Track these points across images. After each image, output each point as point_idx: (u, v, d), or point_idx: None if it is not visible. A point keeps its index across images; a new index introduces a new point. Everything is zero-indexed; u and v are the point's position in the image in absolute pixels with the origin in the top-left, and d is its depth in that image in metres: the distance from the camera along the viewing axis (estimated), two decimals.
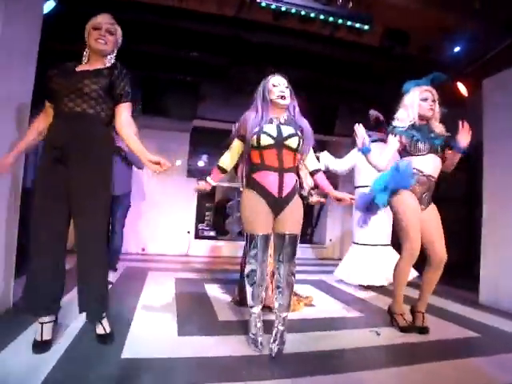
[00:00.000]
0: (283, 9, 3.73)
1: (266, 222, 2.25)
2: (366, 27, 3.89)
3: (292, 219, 2.26)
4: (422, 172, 2.70)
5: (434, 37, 4.29)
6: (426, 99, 2.72)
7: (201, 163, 7.89)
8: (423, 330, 2.72)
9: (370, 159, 2.74)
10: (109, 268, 3.25)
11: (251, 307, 2.34)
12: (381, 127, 4.20)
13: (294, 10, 3.75)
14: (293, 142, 2.22)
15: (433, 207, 2.80)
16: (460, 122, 2.62)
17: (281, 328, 2.26)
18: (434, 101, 2.72)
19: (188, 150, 6.40)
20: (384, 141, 3.79)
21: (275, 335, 2.24)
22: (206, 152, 7.76)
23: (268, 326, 2.37)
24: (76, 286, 2.14)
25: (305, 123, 2.35)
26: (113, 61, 2.19)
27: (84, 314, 2.18)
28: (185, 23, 4.25)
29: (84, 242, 2.10)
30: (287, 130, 2.24)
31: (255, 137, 2.20)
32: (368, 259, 4.36)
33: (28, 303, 2.09)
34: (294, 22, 4.01)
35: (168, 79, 5.41)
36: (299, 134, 2.26)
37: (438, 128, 2.76)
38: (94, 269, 2.13)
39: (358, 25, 3.87)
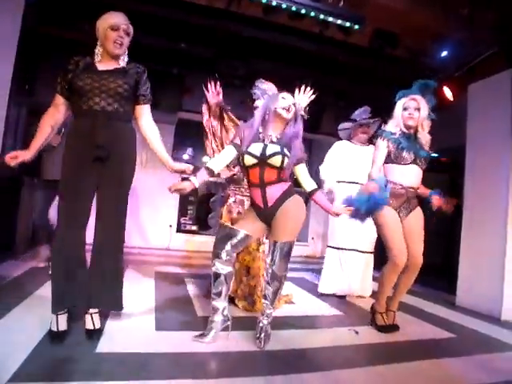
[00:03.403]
0: (274, 3, 3.69)
1: (246, 222, 2.38)
2: (356, 26, 3.88)
3: (282, 227, 2.31)
4: (401, 185, 2.71)
5: (423, 40, 4.32)
6: (406, 108, 2.73)
7: (185, 156, 7.80)
8: (394, 328, 2.79)
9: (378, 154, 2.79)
10: None
11: (214, 300, 2.34)
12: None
13: (284, 6, 3.72)
14: (275, 161, 2.27)
15: (418, 211, 2.81)
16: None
17: (265, 322, 2.35)
18: (417, 109, 2.70)
19: (173, 142, 6.33)
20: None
21: (260, 329, 2.34)
22: (191, 145, 7.68)
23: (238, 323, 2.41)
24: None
25: (298, 144, 2.35)
26: (126, 58, 2.22)
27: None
28: (173, 13, 4.18)
29: (109, 237, 2.17)
30: (272, 149, 2.29)
31: (240, 157, 2.31)
32: (349, 266, 3.82)
33: (53, 302, 2.09)
34: (284, 17, 3.98)
35: (153, 70, 5.30)
36: (285, 152, 2.29)
37: (424, 138, 2.74)
38: (117, 258, 2.24)
39: (348, 24, 3.86)
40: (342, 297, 3.82)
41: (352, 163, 3.81)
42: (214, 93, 3.00)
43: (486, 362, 2.38)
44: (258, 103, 2.95)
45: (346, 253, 3.83)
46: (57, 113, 2.15)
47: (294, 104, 2.35)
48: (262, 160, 2.27)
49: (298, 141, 2.37)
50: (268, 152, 2.27)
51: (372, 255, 3.91)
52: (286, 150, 2.29)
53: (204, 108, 3.11)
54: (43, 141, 2.13)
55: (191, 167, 2.23)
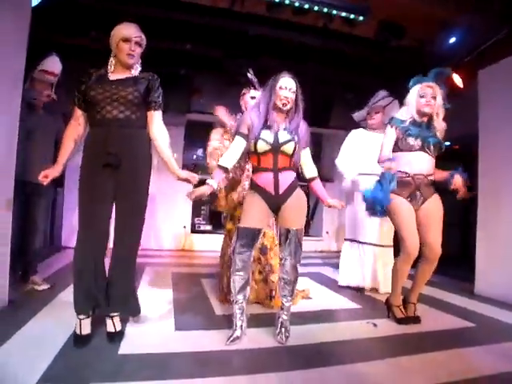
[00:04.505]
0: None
1: (258, 217, 2.32)
2: (361, 18, 3.85)
3: (293, 215, 2.35)
4: (406, 173, 2.70)
5: (430, 28, 4.26)
6: (423, 96, 2.69)
7: (195, 157, 7.84)
8: (415, 320, 2.76)
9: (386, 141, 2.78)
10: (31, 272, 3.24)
11: (235, 301, 2.34)
12: None
13: (287, 1, 3.71)
14: (288, 148, 2.29)
15: (435, 199, 2.76)
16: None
17: (285, 317, 2.37)
18: (433, 97, 2.68)
19: (183, 144, 6.37)
20: None
21: (281, 324, 2.36)
22: (201, 146, 7.71)
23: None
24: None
25: (303, 128, 2.38)
26: (139, 67, 2.28)
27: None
28: (178, 15, 4.21)
29: (126, 240, 2.21)
30: (284, 137, 2.29)
31: (253, 142, 2.28)
32: (367, 259, 3.76)
33: (74, 303, 2.14)
34: (288, 13, 3.99)
35: (160, 72, 5.34)
36: (295, 139, 2.31)
37: (439, 126, 2.73)
38: (131, 267, 2.26)
39: (352, 16, 3.84)
40: (360, 289, 3.77)
41: (368, 152, 3.60)
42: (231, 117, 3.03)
43: (508, 350, 2.35)
44: (253, 93, 3.00)
45: (363, 246, 3.80)
46: (78, 125, 2.22)
47: (295, 90, 2.31)
48: (276, 147, 2.27)
49: (305, 124, 2.39)
50: (281, 140, 2.27)
51: (391, 249, 3.77)
52: (296, 137, 2.31)
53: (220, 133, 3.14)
54: (68, 155, 2.21)
55: (197, 177, 2.22)
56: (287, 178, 2.33)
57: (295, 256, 2.34)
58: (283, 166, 2.31)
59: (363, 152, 3.70)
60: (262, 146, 2.26)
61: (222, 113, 3.10)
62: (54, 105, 3.32)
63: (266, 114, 2.31)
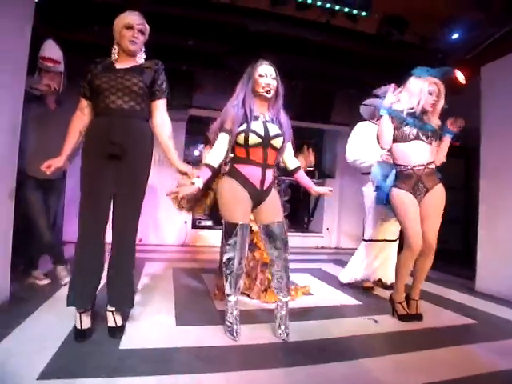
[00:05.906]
0: None
1: (246, 211, 2.32)
2: (364, 13, 3.83)
3: (274, 209, 2.38)
4: (405, 166, 2.69)
5: (433, 24, 4.24)
6: (431, 93, 2.65)
7: (197, 152, 7.84)
8: (417, 317, 2.76)
9: (384, 128, 2.71)
10: (63, 264, 3.24)
11: (228, 295, 2.33)
12: None
13: None
14: (277, 143, 2.30)
15: (438, 189, 2.71)
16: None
17: (283, 313, 2.34)
18: (438, 96, 2.66)
19: (184, 139, 6.37)
20: None
21: (280, 320, 2.33)
22: (202, 141, 7.71)
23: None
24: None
25: (285, 119, 2.38)
26: (144, 55, 2.26)
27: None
28: (180, 10, 4.18)
29: (124, 234, 2.20)
30: (273, 130, 2.29)
31: (243, 135, 2.24)
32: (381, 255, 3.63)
33: (73, 296, 2.13)
34: (291, 9, 3.97)
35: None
36: (283, 133, 2.32)
37: (434, 121, 2.72)
38: (129, 258, 2.24)
39: (355, 11, 3.82)
40: (370, 288, 3.67)
41: (374, 146, 3.25)
42: None
43: (508, 347, 2.36)
44: None
45: (379, 244, 3.61)
46: (83, 116, 2.21)
47: (275, 76, 2.28)
48: (267, 140, 2.26)
49: (286, 117, 2.39)
50: (271, 133, 2.27)
51: (397, 242, 3.65)
52: (282, 130, 2.32)
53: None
54: (73, 146, 2.21)
55: (196, 173, 2.19)
56: (271, 175, 2.36)
57: (284, 247, 2.33)
58: (270, 162, 2.32)
59: (370, 144, 3.48)
60: (253, 139, 2.23)
61: None
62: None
63: (247, 104, 2.26)
